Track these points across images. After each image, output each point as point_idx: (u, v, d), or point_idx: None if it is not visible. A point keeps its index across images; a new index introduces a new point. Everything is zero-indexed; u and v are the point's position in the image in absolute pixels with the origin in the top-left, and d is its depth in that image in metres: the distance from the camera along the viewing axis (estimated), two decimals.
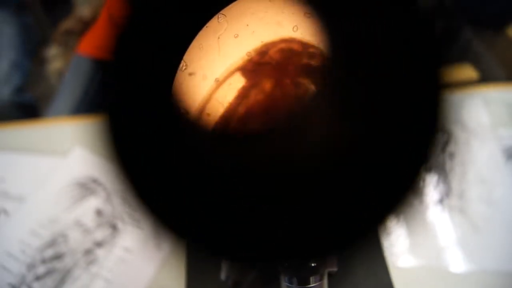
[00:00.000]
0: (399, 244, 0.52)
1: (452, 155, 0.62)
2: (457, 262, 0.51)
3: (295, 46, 0.20)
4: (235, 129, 0.20)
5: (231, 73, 0.21)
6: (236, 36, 0.21)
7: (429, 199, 0.57)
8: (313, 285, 0.24)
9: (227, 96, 0.21)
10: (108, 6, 1.10)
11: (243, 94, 0.21)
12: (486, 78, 0.84)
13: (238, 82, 0.21)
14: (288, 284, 0.24)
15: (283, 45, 0.21)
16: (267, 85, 0.21)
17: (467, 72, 0.78)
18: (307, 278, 0.24)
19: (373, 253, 0.34)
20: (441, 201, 0.57)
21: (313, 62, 0.20)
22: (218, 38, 0.20)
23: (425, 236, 0.53)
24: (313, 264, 0.23)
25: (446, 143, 0.63)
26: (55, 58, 1.19)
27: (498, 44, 0.98)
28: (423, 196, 0.59)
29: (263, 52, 0.22)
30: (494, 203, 0.56)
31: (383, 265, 0.34)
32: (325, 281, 0.24)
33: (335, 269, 0.29)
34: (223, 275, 0.27)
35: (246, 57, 0.22)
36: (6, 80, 1.06)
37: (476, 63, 0.85)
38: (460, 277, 0.49)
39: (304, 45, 0.20)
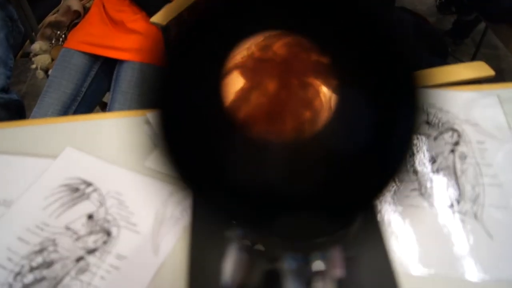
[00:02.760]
0: (410, 252, 0.53)
1: (463, 157, 0.63)
2: (471, 271, 0.51)
3: (304, 40, 0.18)
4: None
5: (228, 72, 0.19)
6: None
7: (440, 203, 0.57)
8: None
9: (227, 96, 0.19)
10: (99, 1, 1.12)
11: (242, 98, 0.19)
12: (503, 75, 0.85)
13: (236, 82, 0.19)
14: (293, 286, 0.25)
15: (289, 39, 0.19)
16: (271, 86, 0.19)
17: (482, 69, 0.79)
18: (312, 279, 0.25)
19: (380, 260, 0.35)
20: (453, 206, 0.57)
21: (324, 60, 0.18)
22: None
23: (437, 243, 0.54)
24: (317, 266, 0.24)
25: (456, 144, 0.64)
26: (41, 53, 1.19)
27: None
28: (433, 200, 0.59)
29: (266, 46, 0.19)
30: (510, 209, 0.57)
31: (389, 273, 0.35)
32: (330, 284, 0.25)
33: (342, 274, 0.30)
34: (225, 279, 0.28)
35: (246, 53, 0.20)
36: None
37: (491, 59, 0.86)
38: (473, 286, 0.50)
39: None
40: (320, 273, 0.24)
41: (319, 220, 0.16)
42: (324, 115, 0.18)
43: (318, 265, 0.24)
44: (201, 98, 0.17)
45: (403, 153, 0.15)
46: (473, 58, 0.90)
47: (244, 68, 0.20)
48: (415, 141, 0.15)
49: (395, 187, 0.16)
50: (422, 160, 0.62)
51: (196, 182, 0.17)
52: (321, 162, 0.17)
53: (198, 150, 0.17)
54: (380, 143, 0.16)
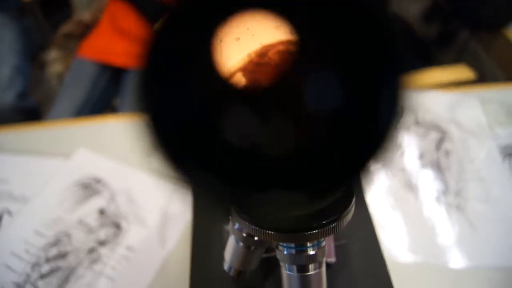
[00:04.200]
0: (398, 240, 0.53)
1: (448, 153, 0.63)
2: (455, 259, 0.52)
3: (292, 48, 0.22)
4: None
5: (233, 74, 0.23)
6: (237, 39, 0.23)
7: (426, 196, 0.58)
8: (312, 273, 0.25)
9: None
10: (108, 11, 1.12)
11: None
12: (484, 79, 0.86)
13: (240, 82, 0.23)
14: (288, 272, 0.26)
15: (281, 47, 0.22)
16: (266, 84, 0.22)
17: (464, 72, 0.79)
18: (306, 266, 0.25)
19: (370, 247, 0.36)
20: (438, 198, 0.58)
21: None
22: (221, 41, 0.22)
23: (423, 233, 0.54)
24: (311, 252, 0.25)
25: (441, 141, 0.64)
26: (55, 62, 1.20)
27: (495, 46, 0.99)
28: (420, 193, 0.60)
29: (262, 53, 0.23)
30: (491, 201, 0.57)
31: (380, 258, 0.35)
32: (323, 269, 0.26)
33: (333, 259, 0.31)
34: (226, 266, 0.29)
35: (246, 58, 0.23)
36: (8, 85, 1.08)
37: (474, 64, 0.87)
38: (457, 273, 0.51)
39: None
40: (312, 259, 0.25)
41: (303, 190, 0.16)
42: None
43: (311, 252, 0.25)
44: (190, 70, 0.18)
45: (389, 123, 0.15)
46: (456, 63, 0.91)
47: (245, 71, 0.23)
48: (401, 116, 0.16)
49: (381, 161, 0.16)
50: (410, 156, 0.62)
51: (185, 158, 0.17)
52: (301, 125, 0.18)
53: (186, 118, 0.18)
54: (362, 109, 0.16)
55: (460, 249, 0.53)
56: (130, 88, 1.03)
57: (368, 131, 0.16)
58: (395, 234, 0.54)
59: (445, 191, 0.59)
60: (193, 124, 0.18)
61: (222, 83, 0.18)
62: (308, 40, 0.17)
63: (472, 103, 0.70)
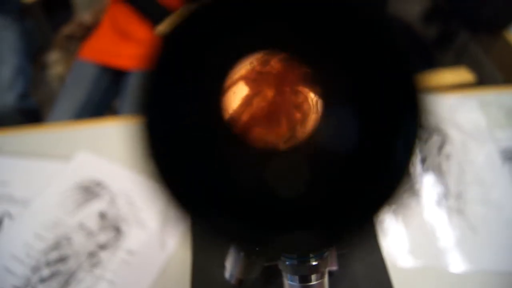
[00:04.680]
0: (398, 245, 0.52)
1: (448, 157, 0.62)
2: (456, 263, 0.51)
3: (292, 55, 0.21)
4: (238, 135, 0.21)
5: (235, 82, 0.22)
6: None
7: (427, 200, 0.57)
8: (314, 283, 0.25)
9: (231, 104, 0.22)
10: (110, 12, 1.12)
11: (246, 102, 0.22)
12: (484, 80, 0.85)
13: (242, 90, 0.22)
14: (290, 282, 0.25)
15: (283, 55, 0.22)
16: (269, 93, 0.22)
17: (464, 75, 0.79)
18: (309, 276, 0.25)
19: (372, 253, 0.35)
20: (439, 202, 0.57)
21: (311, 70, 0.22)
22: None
23: (424, 237, 0.54)
24: (314, 263, 0.24)
25: (442, 145, 0.64)
26: (56, 63, 1.19)
27: (495, 47, 0.99)
28: (421, 197, 0.59)
29: (265, 61, 0.23)
30: (492, 204, 0.57)
31: (381, 265, 0.34)
32: (326, 280, 0.25)
33: (335, 268, 0.30)
34: (227, 274, 0.28)
35: (249, 67, 0.23)
36: (10, 86, 1.07)
37: (473, 66, 0.86)
38: (458, 277, 0.50)
39: None
40: (314, 270, 0.24)
41: (317, 235, 0.16)
42: (313, 117, 0.21)
43: (313, 263, 0.24)
44: (195, 107, 0.17)
45: (406, 161, 0.15)
46: (456, 65, 0.90)
47: (247, 79, 0.23)
48: (417, 149, 0.15)
49: (397, 202, 0.16)
50: (414, 161, 0.62)
51: (192, 199, 0.16)
52: (316, 166, 0.17)
53: (194, 162, 0.17)
54: (378, 148, 0.16)
55: (461, 253, 0.52)
56: (131, 90, 1.02)
57: (383, 173, 0.15)
58: (396, 238, 0.53)
59: (446, 195, 0.58)
60: (205, 171, 0.17)
61: (231, 125, 0.18)
62: (326, 79, 0.17)
63: (472, 106, 0.69)
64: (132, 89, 1.02)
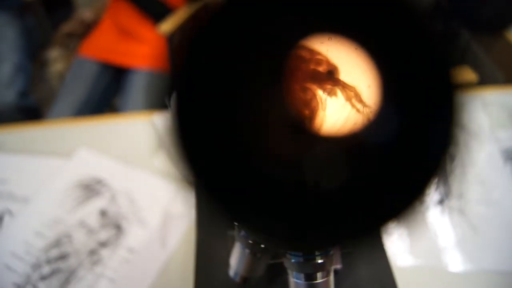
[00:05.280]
0: (400, 244, 0.52)
1: (451, 157, 0.62)
2: (457, 262, 0.51)
3: (304, 53, 0.21)
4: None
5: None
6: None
7: (429, 200, 0.57)
8: (319, 281, 0.25)
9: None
10: (110, 9, 1.11)
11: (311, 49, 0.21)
12: (485, 81, 0.85)
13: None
14: (296, 280, 0.25)
15: (294, 52, 0.21)
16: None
17: (466, 74, 0.79)
18: (314, 274, 0.24)
19: (376, 252, 0.35)
20: (441, 202, 0.57)
21: (320, 68, 0.21)
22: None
23: (426, 237, 0.54)
24: (319, 261, 0.24)
25: None
26: (56, 61, 1.19)
27: (496, 47, 0.99)
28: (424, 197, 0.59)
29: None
30: (493, 204, 0.57)
31: (386, 264, 0.34)
32: (331, 278, 0.25)
33: (339, 266, 0.30)
34: (231, 272, 0.28)
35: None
36: (10, 84, 1.07)
37: (475, 65, 0.86)
38: (459, 276, 0.50)
39: (312, 52, 0.21)
40: (320, 268, 0.24)
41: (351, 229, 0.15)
42: (321, 114, 0.21)
43: (319, 261, 0.24)
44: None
45: (439, 160, 0.15)
46: (457, 65, 0.90)
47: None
48: (453, 148, 0.15)
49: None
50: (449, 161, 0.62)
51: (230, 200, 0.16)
52: (354, 160, 0.17)
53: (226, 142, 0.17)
54: (413, 142, 0.16)
55: (462, 253, 0.52)
56: (132, 88, 1.02)
57: (417, 171, 0.15)
58: (397, 237, 0.53)
59: (447, 194, 0.58)
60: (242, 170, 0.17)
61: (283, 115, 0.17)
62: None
63: (474, 106, 0.69)
64: (133, 88, 1.01)
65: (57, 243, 0.54)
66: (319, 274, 0.24)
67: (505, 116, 0.68)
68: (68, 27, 1.20)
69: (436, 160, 0.15)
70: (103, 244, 0.54)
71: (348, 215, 0.16)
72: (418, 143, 0.16)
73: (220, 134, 0.16)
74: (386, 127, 0.16)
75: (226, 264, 0.29)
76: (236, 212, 0.16)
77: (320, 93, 0.21)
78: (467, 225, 0.55)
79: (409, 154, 0.16)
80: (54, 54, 1.17)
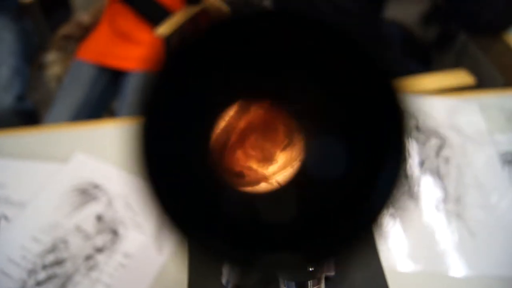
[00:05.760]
0: (397, 248, 0.52)
1: (447, 160, 0.62)
2: (454, 267, 0.51)
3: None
4: (235, 142, 0.21)
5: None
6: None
7: (426, 203, 0.57)
8: None
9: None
10: (108, 12, 1.12)
11: (244, 109, 0.22)
12: (483, 83, 0.85)
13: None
14: None
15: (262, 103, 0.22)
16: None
17: (464, 77, 0.79)
18: (305, 282, 0.25)
19: (369, 258, 0.35)
20: (437, 206, 0.57)
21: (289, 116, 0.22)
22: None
23: (423, 241, 0.54)
24: (311, 269, 0.24)
25: (441, 147, 0.64)
26: (53, 64, 1.19)
27: (494, 50, 0.99)
28: (420, 201, 0.59)
29: (244, 110, 0.23)
30: (491, 208, 0.57)
31: (379, 270, 0.34)
32: (323, 285, 0.25)
33: (332, 273, 0.30)
34: (223, 280, 0.28)
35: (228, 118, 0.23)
36: (7, 88, 1.07)
37: (473, 68, 0.86)
38: (457, 281, 0.50)
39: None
40: (311, 276, 0.24)
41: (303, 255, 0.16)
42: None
43: (310, 268, 0.24)
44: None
45: (388, 192, 0.16)
46: (455, 67, 0.90)
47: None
48: (405, 173, 0.16)
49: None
50: (412, 164, 0.62)
51: (186, 222, 0.17)
52: (305, 195, 0.18)
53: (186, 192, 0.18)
54: (363, 176, 0.16)
55: (460, 257, 0.52)
56: (129, 91, 1.02)
57: (366, 201, 0.16)
58: (394, 242, 0.53)
59: (445, 199, 0.58)
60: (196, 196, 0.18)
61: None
62: (316, 105, 0.17)
63: (472, 109, 0.69)
64: (131, 90, 1.02)
65: (53, 248, 0.54)
66: (310, 282, 0.25)
67: (503, 120, 0.68)
68: (65, 30, 1.20)
69: (387, 191, 0.15)
70: (99, 249, 0.54)
71: (303, 243, 0.16)
72: (368, 175, 0.16)
73: (184, 180, 0.17)
74: (333, 163, 0.17)
75: (219, 272, 0.29)
76: (202, 240, 0.16)
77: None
78: (465, 229, 0.55)
79: (359, 184, 0.16)
80: (52, 57, 1.18)
